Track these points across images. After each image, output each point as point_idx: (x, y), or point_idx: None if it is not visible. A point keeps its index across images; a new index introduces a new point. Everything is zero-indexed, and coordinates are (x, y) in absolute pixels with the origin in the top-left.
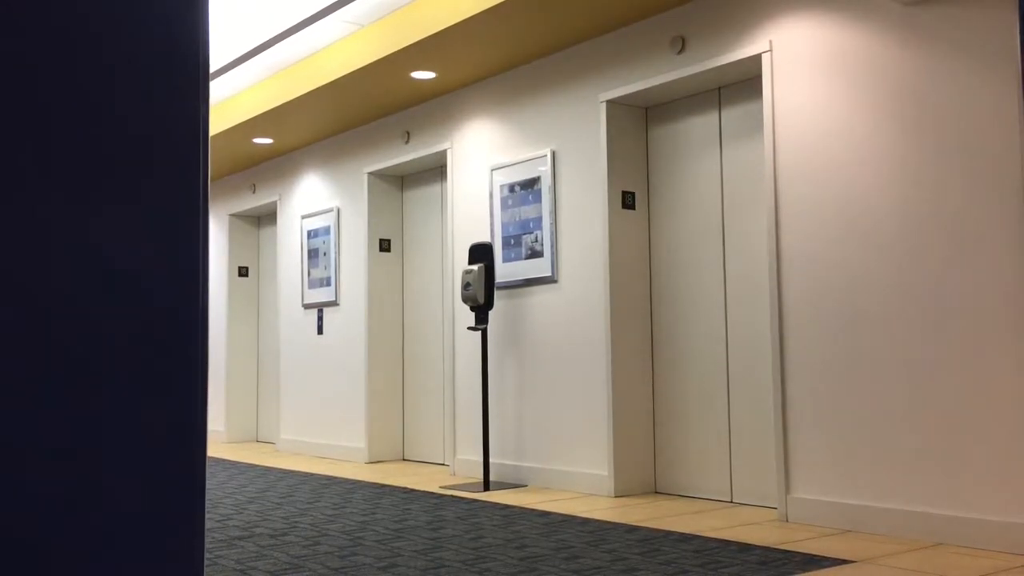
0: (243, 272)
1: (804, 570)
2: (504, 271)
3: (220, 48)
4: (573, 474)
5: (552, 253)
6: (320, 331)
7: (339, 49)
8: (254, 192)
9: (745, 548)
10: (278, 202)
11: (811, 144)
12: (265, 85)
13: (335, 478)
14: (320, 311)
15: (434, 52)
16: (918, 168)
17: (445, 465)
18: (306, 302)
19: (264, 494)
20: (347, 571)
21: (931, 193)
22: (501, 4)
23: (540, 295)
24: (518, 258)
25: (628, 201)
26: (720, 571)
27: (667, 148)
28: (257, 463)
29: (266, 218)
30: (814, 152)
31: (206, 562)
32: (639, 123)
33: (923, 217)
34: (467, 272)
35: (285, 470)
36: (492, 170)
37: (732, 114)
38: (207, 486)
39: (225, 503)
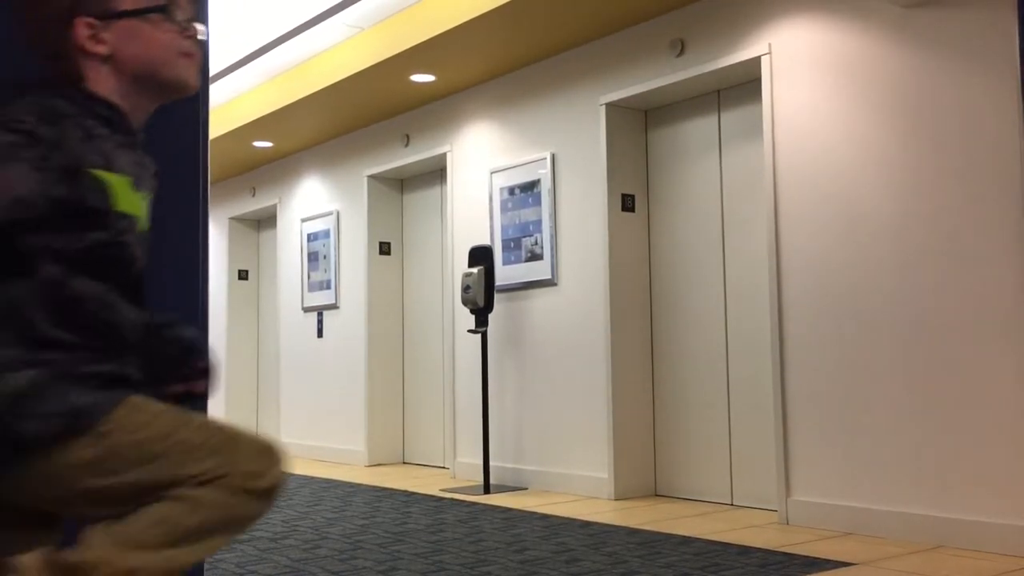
0: (243, 275)
1: (805, 573)
2: (504, 274)
3: (220, 51)
4: (573, 477)
5: (552, 256)
6: (320, 334)
7: (339, 52)
8: (254, 195)
9: (745, 551)
10: (278, 205)
11: (810, 146)
12: (265, 88)
13: (335, 481)
14: (320, 314)
15: (434, 55)
16: (917, 170)
17: (445, 468)
18: (306, 305)
19: None
20: (347, 574)
21: (931, 195)
22: (501, 7)
23: (540, 298)
24: (518, 261)
25: (628, 204)
26: (720, 574)
27: (667, 151)
28: None
29: (266, 221)
30: (813, 154)
31: (206, 565)
32: (638, 126)
33: (923, 219)
34: (467, 275)
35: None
36: (492, 173)
37: (731, 117)
38: None
39: None
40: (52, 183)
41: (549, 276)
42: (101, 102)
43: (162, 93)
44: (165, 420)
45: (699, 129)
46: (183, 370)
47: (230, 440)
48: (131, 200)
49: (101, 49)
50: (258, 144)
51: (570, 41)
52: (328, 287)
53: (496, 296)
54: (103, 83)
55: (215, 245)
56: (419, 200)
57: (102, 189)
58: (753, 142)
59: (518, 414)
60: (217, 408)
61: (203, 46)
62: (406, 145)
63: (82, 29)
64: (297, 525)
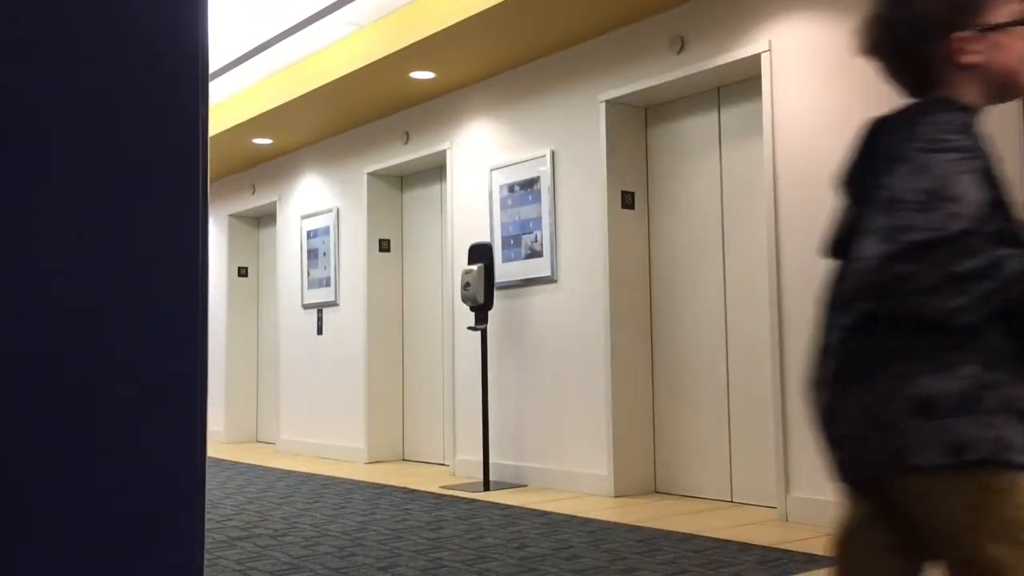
0: (243, 272)
1: (804, 570)
2: (504, 271)
3: (220, 48)
4: (573, 474)
5: (552, 253)
6: (320, 331)
7: (338, 49)
8: (253, 193)
9: (745, 548)
10: (277, 202)
11: (810, 144)
12: (264, 85)
13: (335, 478)
14: (320, 311)
15: (433, 52)
16: None
17: (445, 465)
18: (306, 302)
19: (264, 494)
20: (347, 571)
21: None
22: (500, 4)
23: (540, 295)
24: (518, 258)
25: (628, 201)
26: (720, 571)
27: (666, 148)
28: (257, 463)
29: (266, 218)
30: (813, 152)
31: (206, 563)
32: (638, 123)
33: None
34: (467, 272)
35: (285, 470)
36: (491, 170)
37: (731, 114)
38: (207, 487)
39: (225, 503)
40: (983, 188)
41: (549, 273)
42: (972, 110)
43: (1003, 98)
44: None
45: (699, 126)
46: None
47: None
48: None
49: (975, 59)
50: (258, 141)
51: (570, 38)
52: (328, 284)
53: (496, 293)
54: (964, 91)
55: (215, 242)
56: (419, 197)
57: (1004, 183)
58: (753, 139)
59: (518, 411)
60: (218, 407)
61: (204, 43)
62: (406, 142)
63: (958, 41)
64: (297, 522)
